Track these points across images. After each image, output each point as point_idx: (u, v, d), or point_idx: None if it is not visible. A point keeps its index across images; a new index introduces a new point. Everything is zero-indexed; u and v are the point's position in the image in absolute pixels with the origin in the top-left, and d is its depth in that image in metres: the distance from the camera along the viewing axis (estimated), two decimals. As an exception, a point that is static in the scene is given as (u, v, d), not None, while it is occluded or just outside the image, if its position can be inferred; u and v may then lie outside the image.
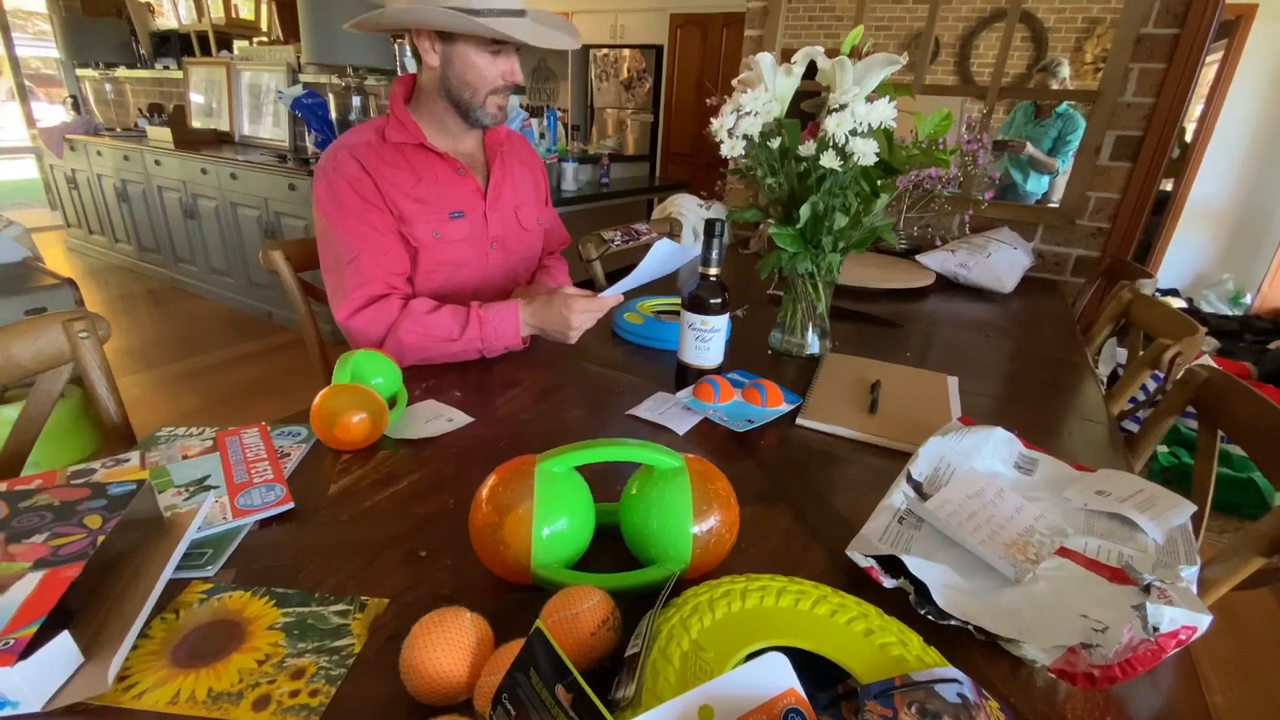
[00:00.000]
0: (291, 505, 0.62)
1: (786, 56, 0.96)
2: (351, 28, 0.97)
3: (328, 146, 1.03)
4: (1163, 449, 2.15)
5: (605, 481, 0.64)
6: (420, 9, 0.91)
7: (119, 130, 4.19)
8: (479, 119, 1.02)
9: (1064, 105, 2.63)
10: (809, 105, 1.06)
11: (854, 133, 0.87)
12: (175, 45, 4.18)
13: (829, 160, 0.88)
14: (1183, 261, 3.94)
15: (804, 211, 0.94)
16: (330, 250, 1.00)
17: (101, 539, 0.48)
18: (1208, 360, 2.69)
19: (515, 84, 1.01)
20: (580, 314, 0.94)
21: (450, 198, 1.05)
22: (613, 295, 0.96)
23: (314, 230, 1.04)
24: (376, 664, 0.46)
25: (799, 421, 0.86)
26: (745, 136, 0.93)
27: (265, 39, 4.06)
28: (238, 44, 3.91)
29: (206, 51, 4.05)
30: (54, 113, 5.11)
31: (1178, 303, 3.73)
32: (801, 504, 0.68)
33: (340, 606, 0.51)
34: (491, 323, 0.95)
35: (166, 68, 4.16)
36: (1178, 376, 0.98)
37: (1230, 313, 3.67)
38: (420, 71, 1.01)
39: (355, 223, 0.97)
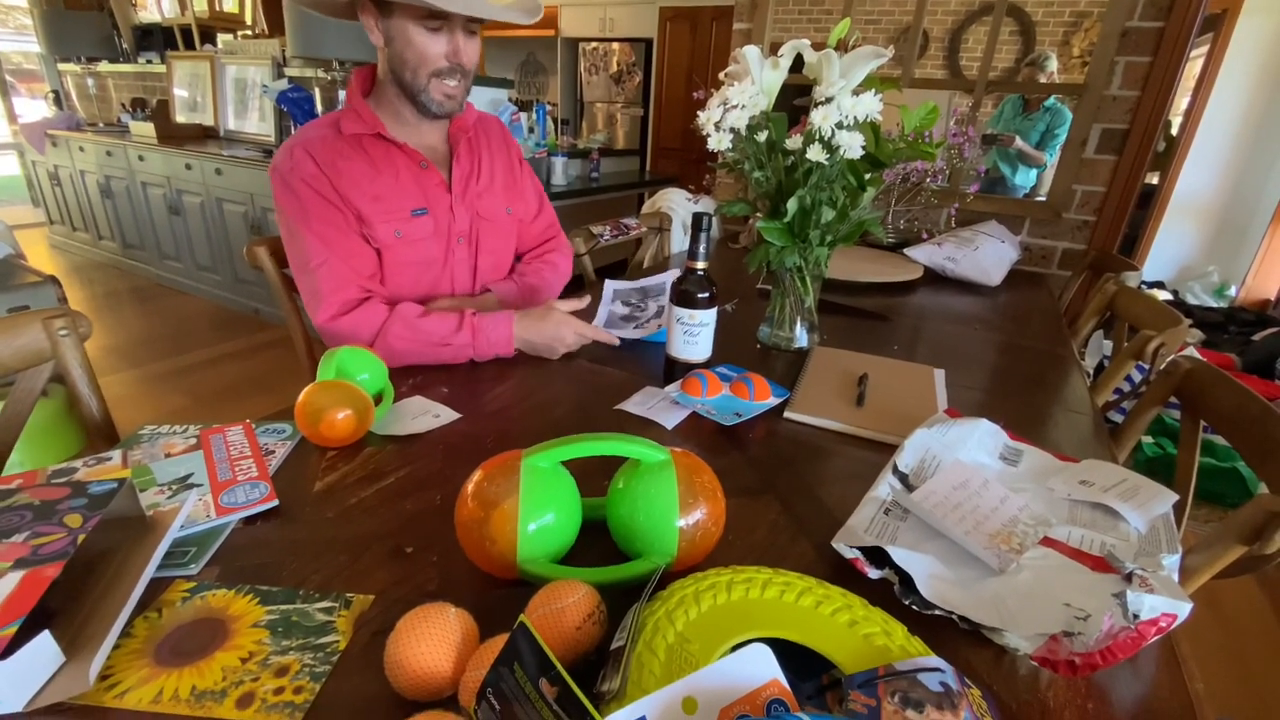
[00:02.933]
0: (276, 503, 0.62)
1: (775, 50, 0.95)
2: (300, 4, 0.95)
3: (281, 145, 1.00)
4: (1147, 439, 2.18)
5: (592, 476, 0.63)
6: None
7: (101, 125, 4.13)
8: (425, 105, 0.96)
9: (1051, 99, 2.64)
10: (805, 102, 1.06)
11: (840, 126, 0.87)
12: (158, 39, 4.13)
13: (815, 153, 0.88)
14: (1168, 254, 3.98)
15: (791, 205, 0.94)
16: (299, 253, 0.96)
17: (82, 538, 0.48)
18: (1192, 352, 2.72)
19: (462, 66, 0.95)
20: (575, 335, 0.96)
21: (412, 193, 1.01)
22: (608, 334, 0.99)
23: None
24: (362, 660, 0.46)
25: (787, 415, 0.86)
26: (732, 130, 0.93)
27: (250, 32, 4.02)
28: (222, 37, 3.87)
29: (190, 45, 4.00)
30: (35, 108, 5.04)
31: (1163, 295, 3.77)
32: (789, 496, 0.69)
33: (325, 604, 0.50)
34: (484, 331, 0.93)
35: (150, 62, 4.11)
36: (1161, 367, 0.99)
37: (1215, 305, 3.71)
38: (378, 59, 0.98)
39: (320, 225, 0.94)
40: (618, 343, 0.98)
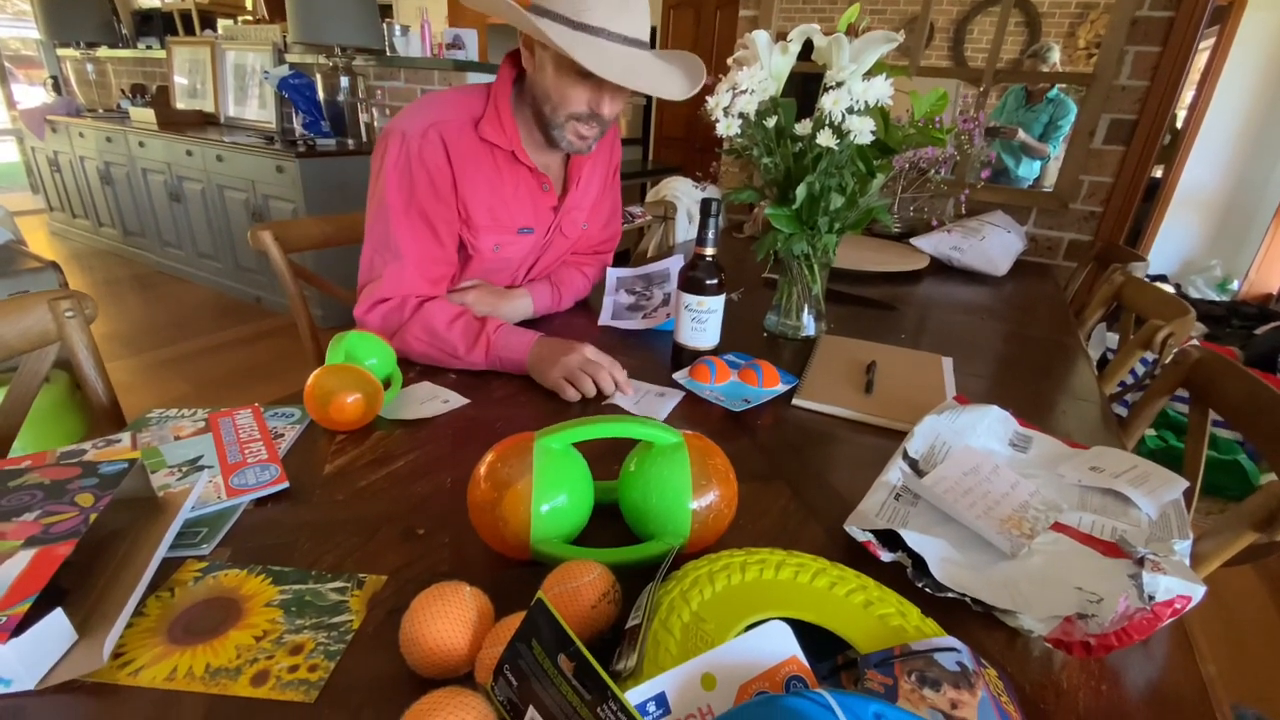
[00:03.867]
0: (286, 485, 0.61)
1: (781, 39, 0.94)
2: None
3: (414, 106, 0.91)
4: (1150, 432, 2.18)
5: (603, 460, 0.63)
6: (507, 2, 0.80)
7: (101, 111, 4.11)
8: (556, 140, 0.91)
9: (1055, 90, 2.63)
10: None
11: (850, 110, 0.87)
12: (158, 24, 4.10)
13: (825, 139, 0.87)
14: (1172, 248, 3.97)
15: (800, 191, 0.93)
16: (383, 231, 0.90)
17: (94, 517, 0.48)
18: (1196, 344, 2.71)
19: (602, 116, 0.89)
20: (582, 358, 0.83)
21: (526, 212, 0.98)
22: (626, 383, 0.84)
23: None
24: (376, 639, 0.46)
25: (795, 402, 0.86)
26: (741, 115, 0.92)
27: (250, 18, 3.99)
28: (222, 23, 3.85)
29: (190, 30, 3.98)
30: (34, 94, 5.01)
31: (1166, 288, 3.75)
32: (799, 482, 0.69)
33: (338, 584, 0.50)
34: (497, 351, 0.87)
35: (149, 47, 4.07)
36: (1169, 358, 0.99)
37: (1218, 298, 3.71)
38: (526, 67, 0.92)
39: (417, 220, 0.89)
40: (630, 392, 0.85)
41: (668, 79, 0.87)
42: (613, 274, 1.18)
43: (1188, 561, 0.53)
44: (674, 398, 0.85)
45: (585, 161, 1.03)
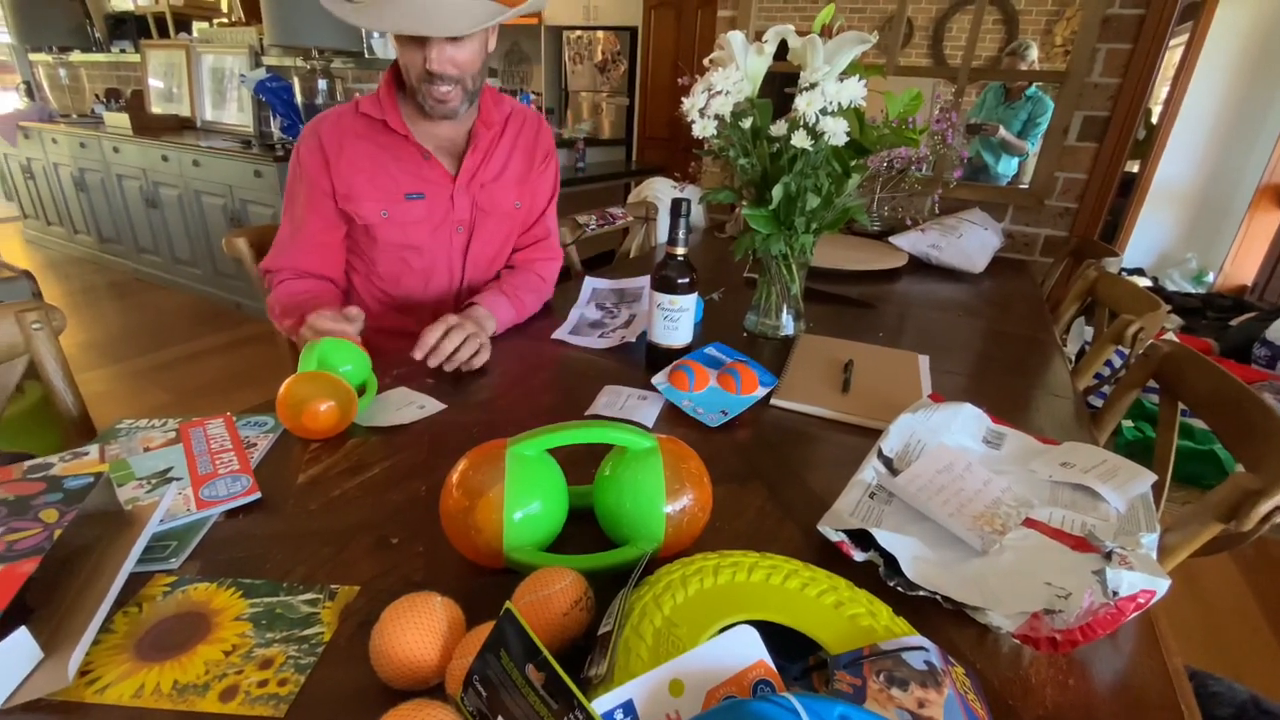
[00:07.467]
0: (258, 495, 0.61)
1: (759, 40, 0.95)
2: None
3: None
4: (1127, 423, 2.21)
5: (580, 464, 0.63)
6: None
7: (75, 117, 4.04)
8: (423, 106, 0.98)
9: (1033, 88, 2.66)
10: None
11: (825, 112, 0.87)
12: (132, 27, 4.03)
13: (800, 140, 0.88)
14: (1148, 241, 4.03)
15: (776, 192, 0.94)
16: (287, 206, 1.06)
17: (58, 533, 0.47)
18: (1171, 337, 2.75)
19: (440, 74, 0.92)
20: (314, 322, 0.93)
21: (410, 179, 1.04)
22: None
23: (280, 218, 1.08)
24: (347, 651, 0.45)
25: (773, 402, 0.86)
26: (717, 116, 0.92)
27: (226, 20, 3.93)
28: (197, 25, 3.79)
29: (165, 34, 3.91)
30: (6, 99, 4.90)
31: (1143, 282, 3.81)
32: (775, 482, 0.69)
33: (310, 595, 0.50)
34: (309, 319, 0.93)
35: (123, 51, 4.01)
36: (1140, 351, 1.00)
37: (1193, 291, 3.77)
38: None
39: (299, 201, 1.02)
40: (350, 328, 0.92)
41: (454, 16, 0.87)
42: (590, 284, 1.17)
43: (1154, 554, 0.54)
44: (657, 401, 0.85)
45: (487, 131, 1.07)
